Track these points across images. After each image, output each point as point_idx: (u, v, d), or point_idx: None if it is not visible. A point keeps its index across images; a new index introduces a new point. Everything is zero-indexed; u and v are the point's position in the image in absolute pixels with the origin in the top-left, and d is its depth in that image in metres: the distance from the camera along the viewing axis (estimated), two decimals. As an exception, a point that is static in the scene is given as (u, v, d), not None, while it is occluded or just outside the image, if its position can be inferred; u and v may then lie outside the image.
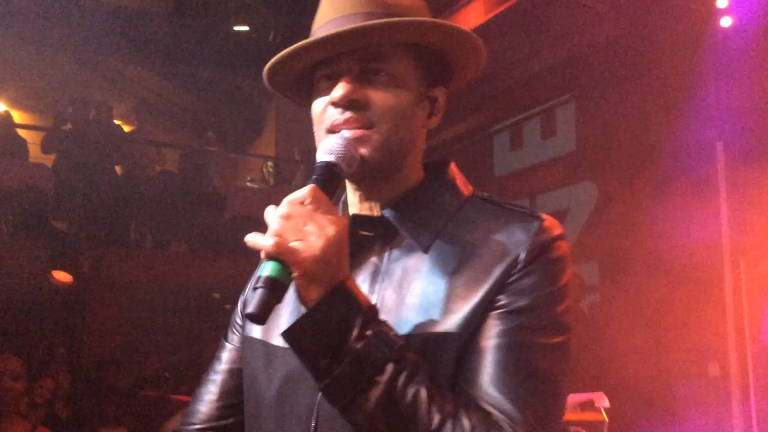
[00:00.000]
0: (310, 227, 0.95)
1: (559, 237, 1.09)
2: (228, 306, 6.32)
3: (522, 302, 1.03)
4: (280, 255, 0.93)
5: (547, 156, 6.13)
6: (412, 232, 1.10)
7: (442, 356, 1.01)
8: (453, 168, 1.19)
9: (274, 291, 0.91)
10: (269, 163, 8.74)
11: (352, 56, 1.09)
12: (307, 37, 1.12)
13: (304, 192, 0.98)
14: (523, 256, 1.05)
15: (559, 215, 5.79)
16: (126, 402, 4.22)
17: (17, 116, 8.91)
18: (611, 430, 2.44)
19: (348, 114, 1.08)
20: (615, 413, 2.57)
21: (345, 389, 0.94)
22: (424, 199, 1.13)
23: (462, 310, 1.03)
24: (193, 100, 9.97)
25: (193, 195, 7.77)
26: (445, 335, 1.02)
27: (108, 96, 8.91)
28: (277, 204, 1.01)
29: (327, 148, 1.06)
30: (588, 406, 2.30)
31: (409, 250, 1.10)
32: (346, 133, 1.07)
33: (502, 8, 4.96)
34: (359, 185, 1.15)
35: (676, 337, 4.00)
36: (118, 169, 7.99)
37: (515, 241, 1.06)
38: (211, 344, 5.62)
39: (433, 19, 1.11)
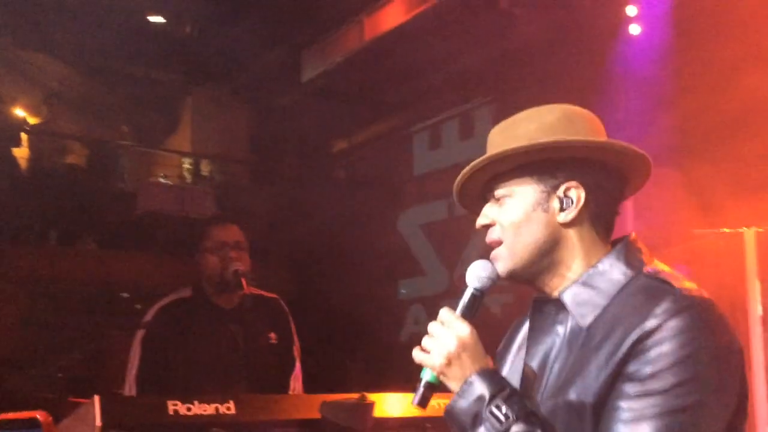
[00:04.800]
0: (437, 346, 1.30)
1: (686, 308, 1.21)
2: (138, 306, 6.11)
3: (641, 372, 1.19)
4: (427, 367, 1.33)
5: (465, 157, 6.17)
6: (577, 310, 1.31)
7: (582, 423, 1.23)
8: (629, 243, 1.36)
9: (430, 388, 1.34)
10: (187, 160, 8.50)
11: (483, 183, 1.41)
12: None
13: (440, 315, 1.33)
14: (649, 326, 1.20)
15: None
16: (22, 406, 3.97)
17: None
18: None
19: (489, 236, 1.39)
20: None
21: None
22: (593, 281, 1.32)
23: (599, 380, 1.22)
24: (105, 93, 9.60)
25: (102, 190, 7.50)
26: (583, 404, 1.23)
27: (15, 87, 8.47)
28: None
29: (474, 275, 1.36)
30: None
31: (575, 326, 1.31)
32: (487, 265, 1.37)
33: (421, 9, 5.00)
34: (525, 283, 1.39)
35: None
36: (21, 162, 7.63)
37: (646, 312, 1.21)
38: (115, 344, 5.41)
39: (526, 146, 1.32)
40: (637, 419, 1.18)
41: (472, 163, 1.37)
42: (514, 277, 1.37)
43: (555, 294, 1.36)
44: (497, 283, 1.37)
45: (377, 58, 5.89)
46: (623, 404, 1.19)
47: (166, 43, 7.29)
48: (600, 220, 1.36)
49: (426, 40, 5.33)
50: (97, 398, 1.76)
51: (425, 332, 1.33)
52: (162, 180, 8.22)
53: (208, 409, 1.86)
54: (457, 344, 1.29)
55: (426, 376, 1.33)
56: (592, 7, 4.51)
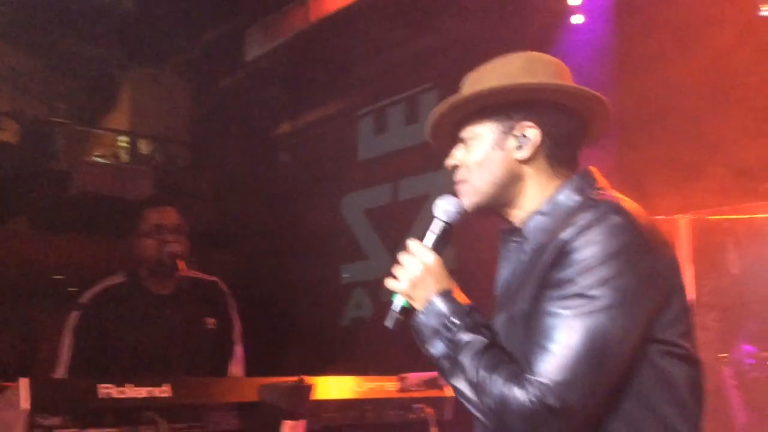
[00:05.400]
0: (404, 272, 1.46)
1: (602, 218, 1.31)
2: (72, 289, 5.94)
3: (561, 277, 1.29)
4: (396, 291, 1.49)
5: (410, 142, 6.22)
6: (533, 236, 1.44)
7: (516, 330, 1.36)
8: (584, 173, 1.47)
9: (401, 312, 1.48)
10: (123, 138, 8.28)
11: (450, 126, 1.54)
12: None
13: (408, 246, 1.48)
14: (565, 236, 1.31)
15: (420, 201, 5.91)
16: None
17: None
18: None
19: (455, 176, 1.53)
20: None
21: (434, 359, 1.42)
22: (548, 209, 1.44)
23: (529, 290, 1.35)
24: (40, 68, 9.25)
25: (35, 169, 7.25)
26: (518, 313, 1.37)
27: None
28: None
29: (441, 209, 1.51)
30: (432, 383, 2.35)
31: (531, 251, 1.43)
32: (453, 200, 1.51)
33: (368, -9, 4.95)
34: (492, 215, 1.53)
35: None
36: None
37: (567, 225, 1.33)
38: (47, 328, 5.24)
39: (477, 91, 1.46)
40: (558, 324, 1.27)
41: (436, 108, 1.52)
42: (479, 209, 1.51)
43: (518, 224, 1.49)
44: (463, 216, 1.52)
45: (322, 40, 5.83)
46: (546, 308, 1.30)
47: (104, 18, 7.07)
48: (557, 157, 1.47)
49: (372, 22, 5.30)
50: (23, 381, 1.70)
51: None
52: (98, 159, 8.00)
53: (142, 392, 1.81)
54: (423, 269, 1.45)
55: (397, 301, 1.48)
56: (537, -4, 4.55)
